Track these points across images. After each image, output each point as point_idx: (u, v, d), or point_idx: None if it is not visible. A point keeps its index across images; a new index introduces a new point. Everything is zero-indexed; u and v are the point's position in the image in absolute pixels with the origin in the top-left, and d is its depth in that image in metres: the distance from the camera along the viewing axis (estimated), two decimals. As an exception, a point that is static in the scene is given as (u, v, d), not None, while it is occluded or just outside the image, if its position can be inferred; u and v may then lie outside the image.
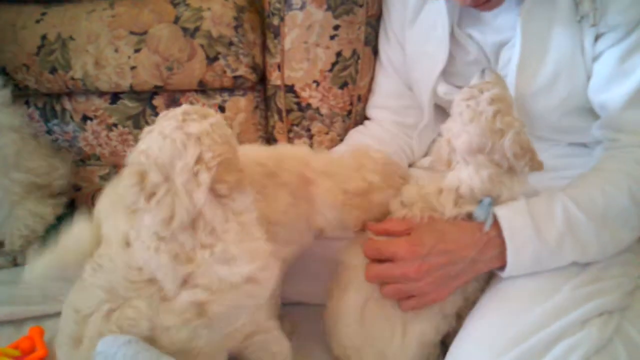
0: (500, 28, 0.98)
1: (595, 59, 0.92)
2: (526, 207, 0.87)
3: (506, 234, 0.86)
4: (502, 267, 0.89)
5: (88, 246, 0.83)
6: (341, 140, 1.31)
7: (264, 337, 0.86)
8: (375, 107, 1.27)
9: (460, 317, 0.92)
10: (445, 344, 0.93)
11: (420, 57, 1.11)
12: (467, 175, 0.86)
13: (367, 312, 0.90)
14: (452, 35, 1.05)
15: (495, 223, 0.86)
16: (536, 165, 0.88)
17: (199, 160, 0.76)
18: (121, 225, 0.80)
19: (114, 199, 0.84)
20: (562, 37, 0.92)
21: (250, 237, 0.80)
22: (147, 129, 0.80)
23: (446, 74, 1.09)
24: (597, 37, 0.90)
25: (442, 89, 1.10)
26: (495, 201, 0.87)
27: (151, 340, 0.76)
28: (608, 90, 0.92)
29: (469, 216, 0.87)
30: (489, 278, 0.92)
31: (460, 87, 1.04)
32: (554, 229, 0.86)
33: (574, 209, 0.86)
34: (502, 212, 0.87)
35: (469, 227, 0.87)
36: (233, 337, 0.83)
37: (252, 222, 0.81)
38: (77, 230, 0.84)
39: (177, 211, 0.75)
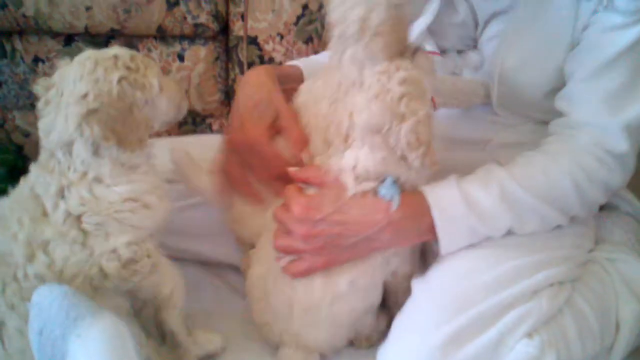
0: None
1: (584, 29, 0.89)
2: (456, 185, 0.83)
3: (435, 213, 0.82)
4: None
5: None
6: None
7: (155, 277, 0.83)
8: None
9: (395, 293, 0.89)
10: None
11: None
12: (363, 155, 0.82)
13: (271, 287, 0.87)
14: None
15: (402, 205, 0.82)
16: (428, 162, 0.80)
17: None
18: None
19: None
20: (560, 8, 0.89)
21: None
22: None
23: (429, 31, 1.05)
24: (593, 11, 0.88)
25: (428, 47, 1.06)
26: (396, 182, 0.83)
27: (31, 257, 0.76)
28: (578, 59, 0.89)
29: (375, 192, 0.83)
30: (422, 252, 0.89)
31: (441, 47, 1.01)
32: (487, 203, 0.83)
33: (510, 183, 0.83)
34: (432, 197, 0.83)
35: (374, 206, 0.83)
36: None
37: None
38: None
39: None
